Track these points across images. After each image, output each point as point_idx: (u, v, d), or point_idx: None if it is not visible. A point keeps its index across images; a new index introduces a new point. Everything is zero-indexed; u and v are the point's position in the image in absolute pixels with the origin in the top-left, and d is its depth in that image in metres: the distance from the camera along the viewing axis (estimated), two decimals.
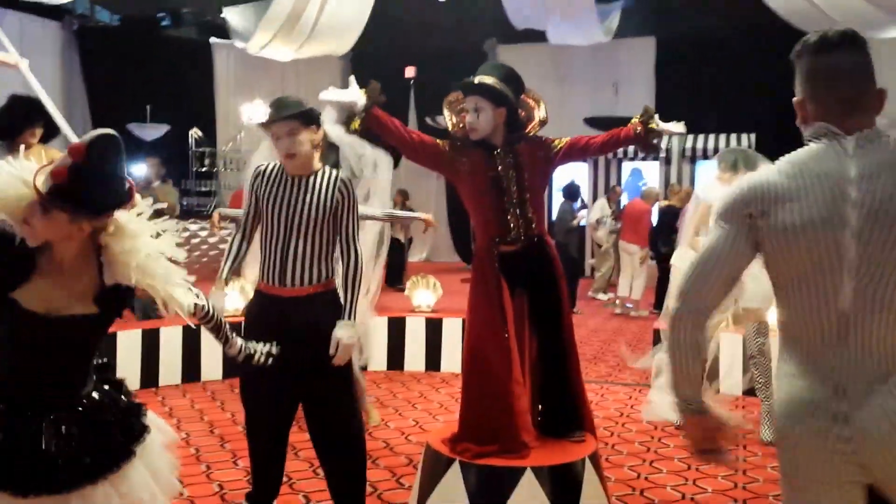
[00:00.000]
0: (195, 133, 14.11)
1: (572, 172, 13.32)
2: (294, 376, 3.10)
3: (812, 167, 1.61)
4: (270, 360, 2.74)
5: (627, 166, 13.23)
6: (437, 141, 3.34)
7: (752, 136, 12.03)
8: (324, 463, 3.27)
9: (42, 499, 1.93)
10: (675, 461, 4.19)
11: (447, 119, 3.46)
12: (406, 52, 14.28)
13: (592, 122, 11.32)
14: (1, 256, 1.97)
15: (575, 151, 3.41)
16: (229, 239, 3.32)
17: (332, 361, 3.03)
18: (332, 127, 5.71)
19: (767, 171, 1.69)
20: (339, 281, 3.20)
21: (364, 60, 14.02)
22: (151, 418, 2.19)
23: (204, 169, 14.31)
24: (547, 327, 3.44)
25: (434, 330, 6.24)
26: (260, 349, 2.71)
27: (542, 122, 3.43)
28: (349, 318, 3.10)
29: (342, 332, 3.04)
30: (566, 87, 14.29)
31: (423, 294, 6.43)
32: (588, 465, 3.32)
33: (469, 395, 3.45)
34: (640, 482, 3.90)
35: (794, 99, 1.71)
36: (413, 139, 3.31)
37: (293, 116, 3.06)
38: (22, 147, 4.06)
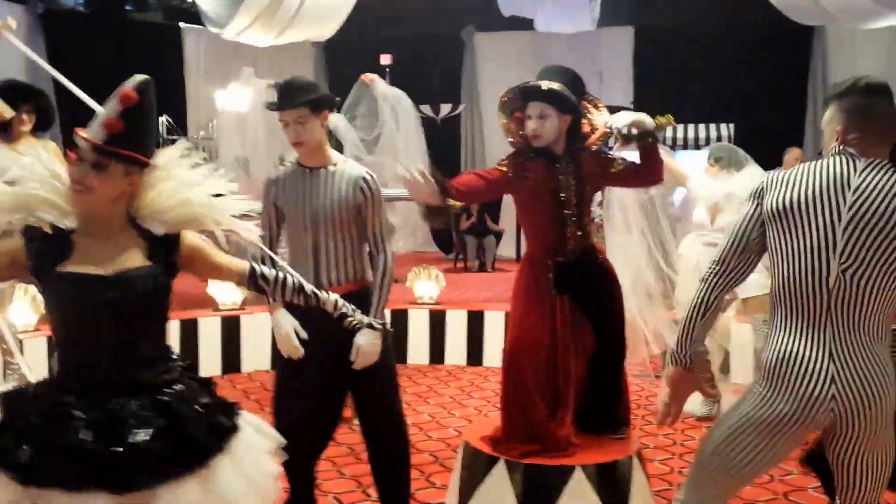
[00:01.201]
0: (165, 120, 13.74)
1: None
2: (336, 379, 2.98)
3: (820, 170, 2.02)
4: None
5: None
6: (500, 168, 3.17)
7: (731, 126, 12.13)
8: (371, 450, 3.18)
9: (131, 495, 1.81)
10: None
11: (501, 122, 3.32)
12: (381, 38, 14.07)
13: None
14: (36, 243, 1.90)
15: (629, 176, 3.28)
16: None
17: (353, 366, 2.90)
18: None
19: (785, 172, 2.08)
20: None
21: (338, 47, 13.82)
22: (249, 419, 2.08)
23: None
24: (598, 328, 3.35)
25: (438, 322, 6.15)
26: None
27: (607, 129, 3.24)
28: (374, 320, 2.94)
29: (363, 339, 2.86)
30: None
31: (425, 285, 6.32)
32: (635, 461, 3.27)
33: (511, 394, 3.34)
34: (674, 476, 3.86)
35: (838, 128, 2.07)
36: (488, 185, 3.15)
37: (303, 104, 2.90)
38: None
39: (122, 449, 1.81)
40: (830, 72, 12.54)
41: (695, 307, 2.09)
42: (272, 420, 3.11)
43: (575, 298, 3.27)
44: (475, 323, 6.15)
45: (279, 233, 3.14)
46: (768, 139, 10.55)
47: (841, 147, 2.03)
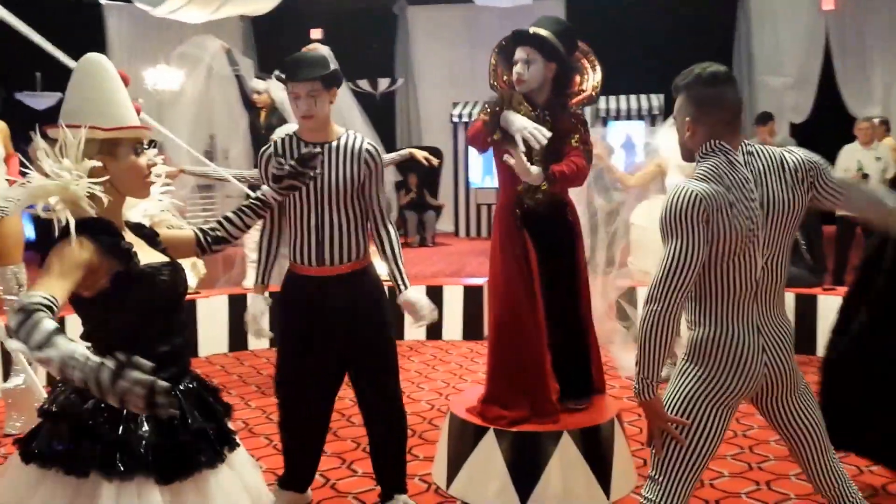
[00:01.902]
0: None
1: None
2: (336, 357, 3.03)
3: (720, 174, 2.11)
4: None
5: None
6: (481, 117, 3.28)
7: (661, 96, 12.43)
8: (369, 428, 3.19)
9: (187, 482, 1.83)
10: None
11: (491, 68, 3.41)
12: (311, 14, 13.85)
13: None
14: (117, 240, 1.86)
15: (566, 162, 3.25)
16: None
17: (419, 316, 3.01)
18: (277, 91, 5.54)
19: (704, 183, 2.10)
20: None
21: (267, 23, 13.50)
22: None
23: None
24: (562, 290, 3.47)
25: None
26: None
27: (594, 94, 3.37)
28: (406, 286, 3.04)
29: (414, 294, 3.02)
30: (478, 50, 14.30)
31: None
32: (616, 424, 3.42)
33: (498, 359, 3.46)
34: (644, 436, 4.02)
35: (686, 119, 2.17)
36: (477, 136, 3.31)
37: (316, 78, 2.89)
38: None
39: (186, 437, 1.85)
40: (754, 42, 12.99)
41: (650, 328, 2.10)
42: (277, 399, 3.16)
43: (540, 250, 3.38)
44: (433, 298, 6.17)
45: (281, 217, 3.07)
46: None
47: (714, 144, 2.14)
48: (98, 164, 1.84)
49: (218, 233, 2.23)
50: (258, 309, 3.09)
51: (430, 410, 4.53)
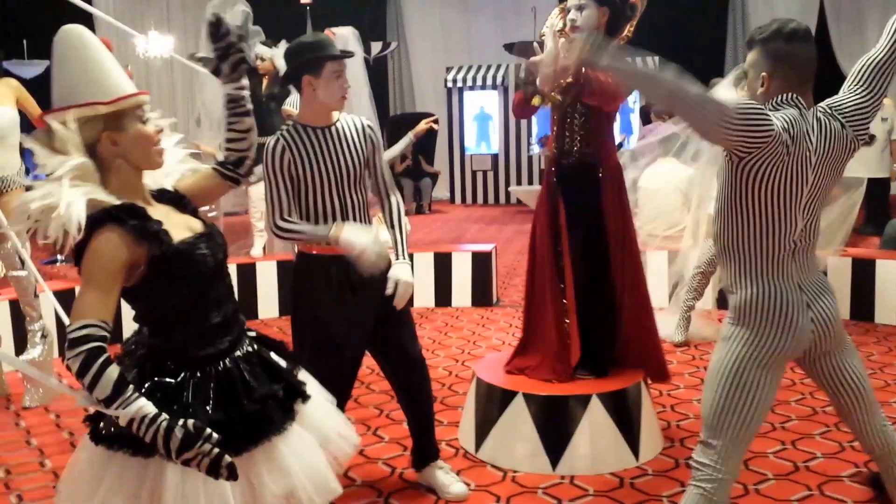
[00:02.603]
0: None
1: (485, 99, 13.32)
2: (369, 330, 2.99)
3: (797, 127, 2.11)
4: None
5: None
6: (521, 92, 3.42)
7: (656, 59, 12.31)
8: (402, 390, 3.16)
9: (256, 451, 1.83)
10: (685, 376, 4.39)
11: (553, 23, 3.42)
12: None
13: (512, 47, 11.25)
14: (146, 225, 1.78)
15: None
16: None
17: (394, 303, 2.93)
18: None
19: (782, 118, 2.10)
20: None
21: None
22: None
23: None
24: (588, 257, 3.47)
25: None
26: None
27: (629, 35, 3.40)
28: (403, 257, 3.01)
29: (400, 271, 2.91)
30: (473, 14, 14.14)
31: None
32: (642, 388, 3.43)
33: (525, 313, 3.64)
34: (664, 399, 4.06)
35: (762, 73, 2.16)
36: None
37: (352, 55, 2.88)
38: None
39: (251, 406, 1.84)
40: (749, 8, 12.93)
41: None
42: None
43: (569, 213, 3.43)
44: (441, 266, 6.20)
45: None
46: (691, 72, 10.82)
47: (788, 96, 2.13)
48: (86, 161, 1.74)
49: (231, 156, 2.09)
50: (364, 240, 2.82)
51: (449, 377, 4.53)
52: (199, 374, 1.83)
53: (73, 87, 1.76)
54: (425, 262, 6.16)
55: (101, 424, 1.80)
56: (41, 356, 4.26)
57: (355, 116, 3.01)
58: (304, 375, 2.06)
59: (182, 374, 1.82)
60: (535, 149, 10.03)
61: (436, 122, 4.96)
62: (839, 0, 12.57)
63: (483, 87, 13.09)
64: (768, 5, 12.63)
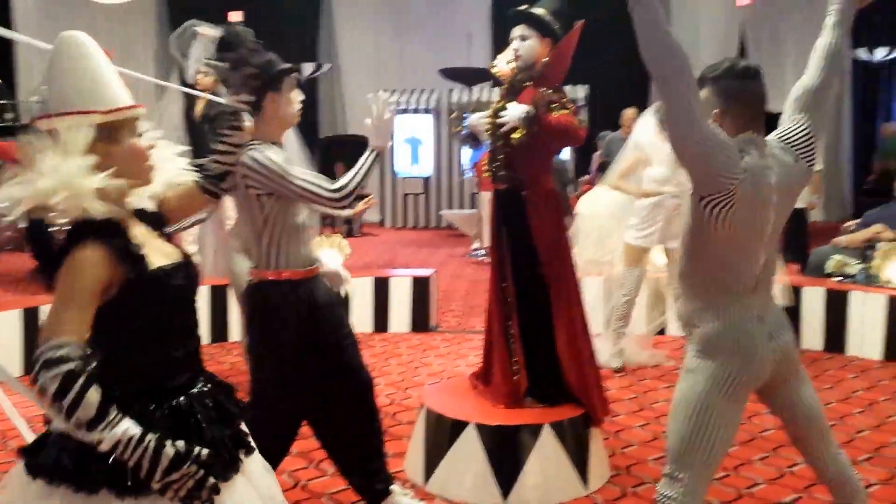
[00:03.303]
0: None
1: (417, 123, 13.36)
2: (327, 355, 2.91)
3: (760, 169, 2.14)
4: None
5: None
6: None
7: (587, 87, 12.64)
8: (351, 416, 2.98)
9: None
10: (626, 402, 4.45)
11: (502, 59, 3.50)
12: None
13: (447, 73, 11.35)
14: (126, 244, 1.71)
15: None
16: None
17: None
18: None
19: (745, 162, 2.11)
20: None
21: (182, 3, 12.98)
22: None
23: (5, 124, 12.72)
24: (525, 283, 3.49)
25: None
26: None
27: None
28: None
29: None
30: (406, 37, 14.19)
31: (328, 254, 6.23)
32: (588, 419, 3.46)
33: (484, 343, 3.69)
34: (608, 425, 4.09)
35: (715, 110, 2.16)
36: None
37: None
38: None
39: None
40: (674, 28, 13.36)
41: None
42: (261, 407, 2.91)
43: (509, 238, 3.48)
44: (380, 290, 6.14)
45: None
46: (618, 99, 11.16)
47: (749, 138, 2.15)
48: (97, 159, 1.69)
49: (217, 169, 2.03)
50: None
51: (391, 405, 4.47)
52: (150, 409, 1.74)
53: (69, 95, 1.71)
54: (363, 286, 6.09)
55: (41, 456, 1.70)
56: None
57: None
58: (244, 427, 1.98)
59: (133, 408, 1.71)
60: (468, 174, 10.08)
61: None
62: (759, 32, 13.16)
63: (416, 110, 13.14)
64: (692, 40, 13.09)
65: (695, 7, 13.18)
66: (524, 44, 3.32)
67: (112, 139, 1.73)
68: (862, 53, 13.06)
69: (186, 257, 1.88)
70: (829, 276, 5.73)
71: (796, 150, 2.24)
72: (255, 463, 1.94)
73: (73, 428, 1.56)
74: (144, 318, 1.75)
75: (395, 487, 3.07)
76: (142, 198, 1.88)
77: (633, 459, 3.67)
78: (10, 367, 5.01)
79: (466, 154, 12.55)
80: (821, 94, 2.30)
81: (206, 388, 1.88)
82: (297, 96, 2.80)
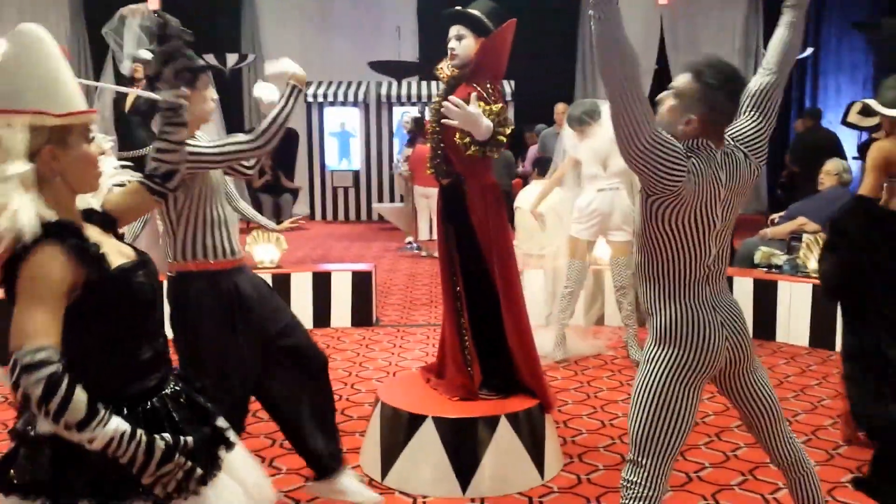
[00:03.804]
0: None
1: (345, 115, 13.24)
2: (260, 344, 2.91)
3: (707, 170, 2.20)
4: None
5: (398, 111, 13.33)
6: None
7: (512, 82, 12.78)
8: (307, 394, 3.04)
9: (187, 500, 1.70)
10: (571, 391, 4.54)
11: (445, 63, 3.49)
12: None
13: (376, 66, 11.28)
14: (85, 245, 1.65)
15: None
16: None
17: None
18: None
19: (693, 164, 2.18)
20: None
21: None
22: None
23: None
24: (471, 276, 3.53)
25: (282, 287, 5.99)
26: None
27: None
28: None
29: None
30: (331, 32, 14.02)
31: (265, 249, 6.13)
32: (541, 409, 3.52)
33: (441, 344, 3.70)
34: (556, 415, 4.17)
35: (693, 115, 2.20)
36: None
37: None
38: None
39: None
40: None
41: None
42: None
43: (456, 230, 3.53)
44: (321, 285, 6.08)
45: None
46: (544, 95, 11.35)
47: (701, 142, 2.21)
48: (32, 168, 1.60)
49: (160, 170, 1.97)
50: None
51: (340, 400, 4.44)
52: (124, 414, 1.67)
53: (23, 91, 1.61)
54: (303, 281, 6.03)
55: (12, 472, 1.63)
56: None
57: None
58: (223, 421, 1.94)
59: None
60: (400, 167, 10.06)
61: (294, 139, 4.89)
62: (677, 31, 13.57)
63: (344, 103, 13.02)
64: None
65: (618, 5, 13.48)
66: (460, 43, 3.36)
67: (63, 143, 1.65)
68: None
69: (143, 256, 1.83)
70: (757, 266, 5.96)
71: (748, 148, 2.32)
72: (236, 455, 1.90)
73: (63, 430, 1.50)
74: (109, 320, 1.69)
75: (347, 469, 3.14)
76: (87, 199, 1.82)
77: (584, 448, 3.76)
78: None
79: (396, 148, 12.56)
80: (775, 92, 2.39)
81: (177, 388, 1.84)
82: (210, 94, 2.84)
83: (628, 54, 2.01)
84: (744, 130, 2.33)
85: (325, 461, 3.08)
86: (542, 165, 6.28)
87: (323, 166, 13.27)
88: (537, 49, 13.09)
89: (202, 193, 2.79)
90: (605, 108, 5.16)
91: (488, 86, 3.31)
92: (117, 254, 1.75)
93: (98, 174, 1.75)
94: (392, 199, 12.67)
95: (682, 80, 2.25)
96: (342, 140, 13.32)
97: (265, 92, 3.06)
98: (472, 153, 3.28)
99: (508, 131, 3.31)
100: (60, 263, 1.57)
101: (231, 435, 1.90)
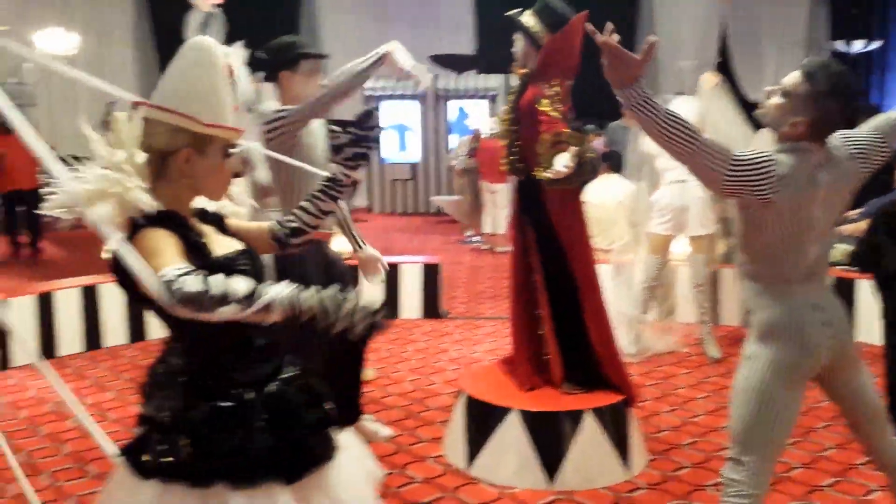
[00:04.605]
0: None
1: (405, 110, 13.29)
2: None
3: (803, 172, 2.16)
4: None
5: (452, 104, 13.34)
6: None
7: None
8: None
9: (311, 478, 1.75)
10: (648, 388, 4.51)
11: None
12: None
13: (438, 59, 11.30)
14: (189, 234, 1.71)
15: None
16: None
17: None
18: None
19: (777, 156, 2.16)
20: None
21: None
22: None
23: None
24: (552, 273, 3.51)
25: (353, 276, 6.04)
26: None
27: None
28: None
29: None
30: (388, 23, 14.07)
31: (340, 240, 6.19)
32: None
33: (512, 330, 3.72)
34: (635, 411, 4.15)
35: (806, 119, 2.15)
36: None
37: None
38: None
39: (301, 433, 1.76)
40: (657, 26, 13.48)
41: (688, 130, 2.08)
42: None
43: (535, 228, 3.52)
44: (391, 276, 6.08)
45: None
46: (601, 87, 11.22)
47: (802, 143, 2.16)
48: (144, 157, 1.67)
49: (293, 224, 2.02)
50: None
51: (417, 391, 4.49)
52: (247, 398, 1.74)
53: (180, 93, 1.72)
54: None
55: (146, 456, 1.68)
56: None
57: None
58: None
59: (232, 398, 1.73)
60: (464, 160, 10.07)
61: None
62: (738, 27, 13.34)
63: (402, 96, 13.07)
64: (675, 31, 13.18)
65: (675, 3, 13.32)
66: (516, 47, 3.46)
67: (201, 151, 1.74)
68: (840, 45, 13.29)
69: (248, 248, 1.86)
70: (836, 264, 5.82)
71: (857, 149, 2.25)
72: (346, 436, 1.95)
73: (237, 309, 1.48)
74: None
75: (365, 416, 3.58)
76: (202, 201, 1.88)
77: (667, 444, 3.73)
78: (24, 355, 4.98)
79: (454, 141, 12.57)
80: None
81: (295, 373, 1.88)
82: (317, 80, 3.35)
83: (680, 132, 2.06)
84: (860, 137, 2.27)
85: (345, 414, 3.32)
86: (615, 159, 6.20)
87: (380, 159, 13.34)
88: (590, 38, 12.96)
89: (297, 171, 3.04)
90: (675, 101, 5.11)
91: (555, 87, 3.34)
92: (223, 246, 1.80)
93: (226, 188, 1.84)
94: (450, 192, 12.70)
95: (792, 78, 2.20)
96: (400, 133, 13.37)
97: (402, 55, 3.20)
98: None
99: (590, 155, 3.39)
100: (173, 240, 1.63)
101: (338, 418, 1.93)
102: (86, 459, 3.58)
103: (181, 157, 1.71)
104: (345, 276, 3.51)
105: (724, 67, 12.93)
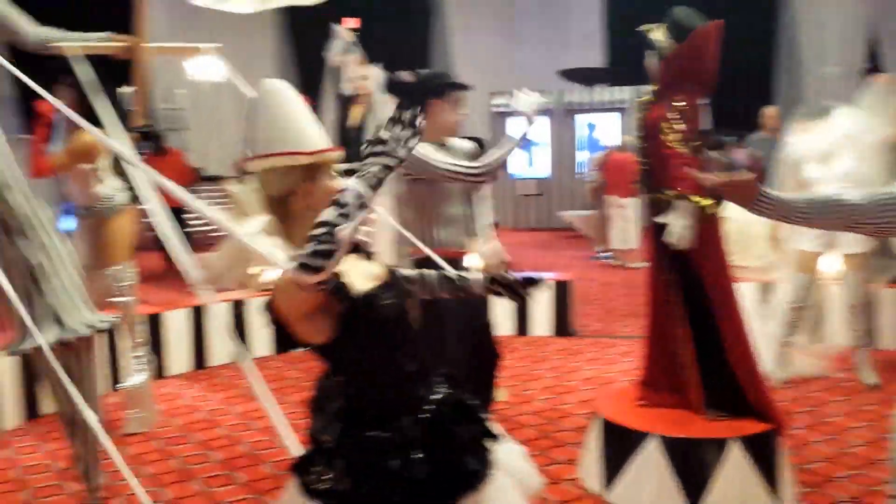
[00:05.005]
0: (127, 90, 13.11)
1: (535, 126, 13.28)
2: None
3: None
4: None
5: (581, 119, 13.22)
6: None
7: None
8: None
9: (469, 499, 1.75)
10: (798, 415, 4.26)
11: None
12: (345, 3, 13.68)
13: (567, 74, 11.25)
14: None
15: None
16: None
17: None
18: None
19: None
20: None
21: (299, 11, 13.30)
22: None
23: (140, 129, 13.33)
24: (693, 297, 3.36)
25: None
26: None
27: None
28: None
29: None
30: (516, 39, 14.15)
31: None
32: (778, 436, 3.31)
33: (649, 353, 3.58)
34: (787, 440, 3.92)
35: None
36: None
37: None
38: None
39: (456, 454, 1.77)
40: (801, 31, 12.86)
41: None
42: None
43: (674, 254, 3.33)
44: None
45: None
46: (736, 98, 10.79)
47: None
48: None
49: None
50: None
51: (551, 411, 4.42)
52: (405, 426, 1.76)
53: (276, 137, 1.77)
54: None
55: (313, 478, 1.73)
56: (143, 383, 4.21)
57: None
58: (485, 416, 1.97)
59: (387, 424, 1.75)
60: (592, 174, 9.95)
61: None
62: (886, 27, 12.53)
63: None
64: (819, 29, 12.54)
65: (819, 5, 12.64)
66: (648, 62, 3.39)
67: (313, 179, 1.78)
68: None
69: (391, 277, 1.87)
70: None
71: None
72: (505, 447, 1.93)
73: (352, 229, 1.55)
74: (369, 342, 1.75)
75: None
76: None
77: (820, 477, 3.50)
78: (179, 364, 5.30)
79: (584, 156, 12.44)
80: None
81: (447, 393, 1.88)
82: (460, 109, 3.50)
83: (821, 205, 1.98)
84: None
85: None
86: (758, 172, 5.95)
87: (509, 175, 13.37)
88: (727, 47, 12.52)
89: (435, 192, 3.30)
90: (835, 113, 4.80)
91: (680, 104, 3.21)
92: (366, 277, 1.80)
93: None
94: (579, 207, 12.56)
95: None
96: (526, 148, 13.37)
97: (524, 101, 3.49)
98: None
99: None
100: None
101: (495, 428, 1.93)
102: (235, 467, 3.75)
103: (300, 195, 1.77)
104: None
105: (874, 74, 12.17)
